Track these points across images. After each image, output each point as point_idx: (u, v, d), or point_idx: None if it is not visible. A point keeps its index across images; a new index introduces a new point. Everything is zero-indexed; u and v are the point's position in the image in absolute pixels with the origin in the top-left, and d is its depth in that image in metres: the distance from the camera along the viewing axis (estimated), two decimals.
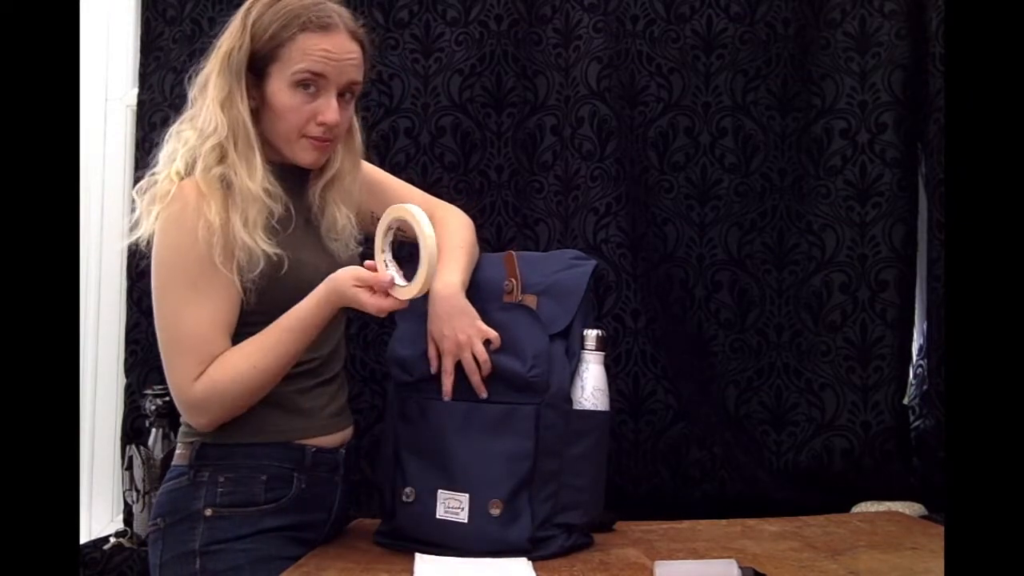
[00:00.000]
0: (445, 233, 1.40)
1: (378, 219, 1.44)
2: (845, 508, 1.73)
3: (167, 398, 1.78)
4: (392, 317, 1.39)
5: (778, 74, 1.86)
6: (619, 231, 1.82)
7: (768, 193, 1.87)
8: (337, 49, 1.28)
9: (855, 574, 1.22)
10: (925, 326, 1.88)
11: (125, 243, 1.33)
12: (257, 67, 1.28)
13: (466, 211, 1.84)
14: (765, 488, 1.80)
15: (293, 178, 1.34)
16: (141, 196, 1.30)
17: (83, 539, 1.82)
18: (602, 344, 1.36)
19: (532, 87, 1.88)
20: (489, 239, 1.87)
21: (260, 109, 1.30)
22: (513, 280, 1.39)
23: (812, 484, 1.80)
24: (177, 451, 1.34)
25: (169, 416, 1.79)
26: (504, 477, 1.28)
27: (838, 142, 1.84)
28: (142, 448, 1.78)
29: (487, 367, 1.31)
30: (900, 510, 1.69)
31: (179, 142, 1.30)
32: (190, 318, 1.24)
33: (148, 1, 1.94)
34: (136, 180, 1.89)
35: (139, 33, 1.96)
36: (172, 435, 1.79)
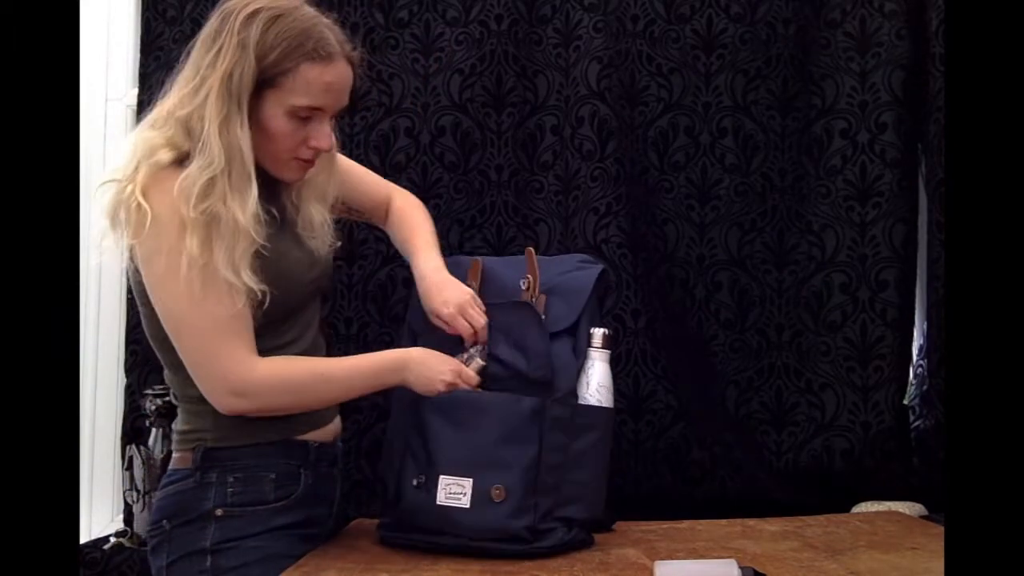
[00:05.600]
0: (416, 226, 1.48)
1: (345, 206, 1.48)
2: (845, 508, 1.72)
3: (167, 398, 1.78)
4: (410, 327, 1.45)
5: (778, 74, 1.86)
6: (619, 231, 1.82)
7: (768, 193, 1.87)
8: (338, 80, 1.25)
9: (855, 574, 1.22)
10: (925, 326, 1.88)
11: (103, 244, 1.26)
12: (252, 90, 1.22)
13: (466, 211, 1.86)
14: (765, 488, 1.80)
15: (267, 178, 1.31)
16: (103, 207, 1.23)
17: (83, 539, 1.82)
18: (608, 342, 1.37)
19: (532, 87, 1.88)
20: (489, 239, 1.87)
21: (250, 128, 1.25)
22: (531, 277, 1.40)
23: (812, 484, 1.80)
24: (176, 455, 1.32)
25: (169, 416, 1.78)
26: (508, 464, 1.28)
27: (838, 142, 1.84)
28: (142, 448, 1.78)
29: (484, 327, 1.36)
30: (900, 510, 1.69)
31: (143, 146, 1.22)
32: (222, 304, 1.19)
33: (148, 1, 1.94)
34: None
35: (139, 33, 1.96)
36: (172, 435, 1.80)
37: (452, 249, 1.85)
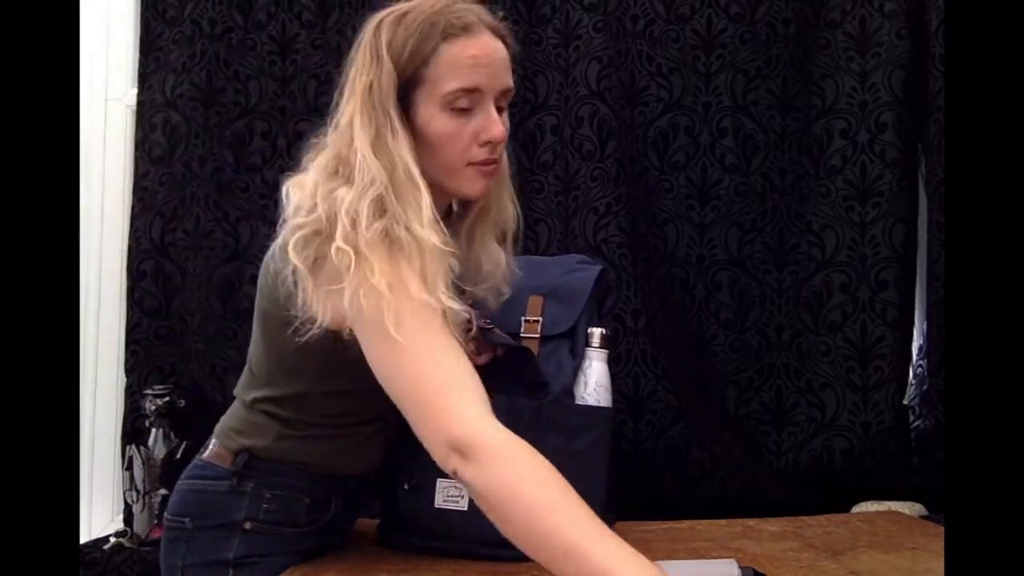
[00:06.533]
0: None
1: None
2: (845, 508, 1.73)
3: (167, 398, 1.79)
4: None
5: (778, 74, 1.86)
6: (619, 231, 1.82)
7: (768, 193, 1.87)
8: (484, 53, 1.10)
9: (855, 574, 1.22)
10: (925, 326, 1.88)
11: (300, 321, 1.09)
12: (401, 97, 1.10)
13: None
14: (765, 488, 1.80)
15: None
16: (302, 261, 1.07)
17: (83, 539, 1.82)
18: (606, 342, 1.37)
19: (532, 87, 1.88)
20: None
21: (413, 143, 1.11)
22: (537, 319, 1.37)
23: (812, 484, 1.80)
24: (214, 449, 1.26)
25: (169, 416, 1.80)
26: None
27: (838, 142, 1.84)
28: (142, 448, 1.78)
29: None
30: (900, 510, 1.69)
31: (331, 199, 1.07)
32: (449, 355, 1.02)
33: (148, 1, 1.94)
34: (136, 180, 1.93)
35: (139, 33, 1.96)
36: (172, 435, 1.80)
37: None
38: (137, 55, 1.96)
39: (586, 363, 1.36)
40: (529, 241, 1.86)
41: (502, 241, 1.25)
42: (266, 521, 1.22)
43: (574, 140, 1.84)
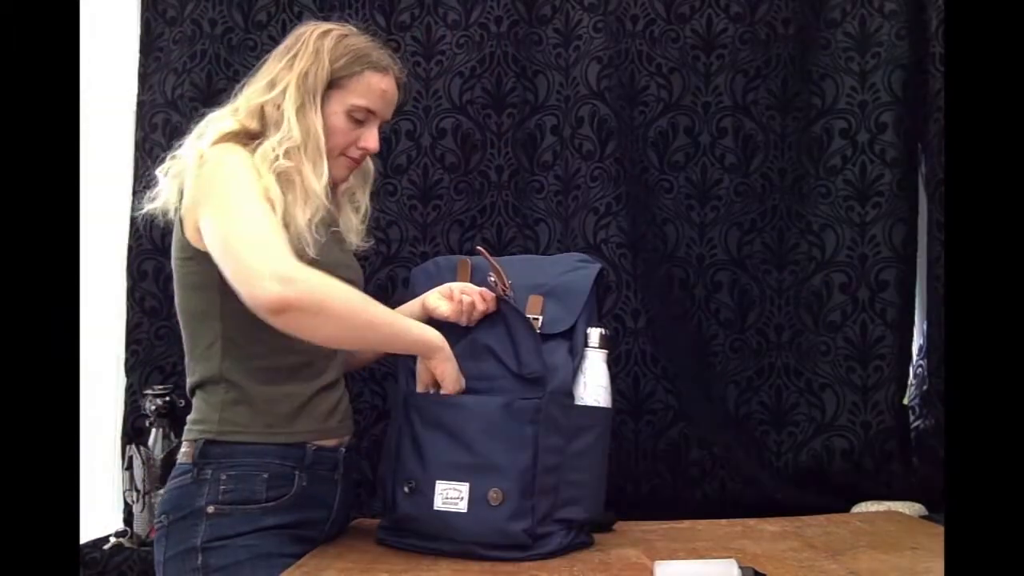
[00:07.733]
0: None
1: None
2: (845, 508, 1.73)
3: (167, 398, 1.79)
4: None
5: (778, 74, 1.87)
6: (619, 231, 1.82)
7: (768, 193, 1.87)
8: (391, 90, 1.46)
9: (855, 574, 1.22)
10: (925, 326, 1.88)
11: (144, 211, 1.39)
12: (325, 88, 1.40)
13: (466, 212, 1.86)
14: (765, 488, 1.80)
15: None
16: (164, 174, 1.36)
17: (83, 539, 1.82)
18: (605, 342, 1.37)
19: (532, 87, 1.88)
20: (489, 239, 1.87)
21: None
22: (493, 275, 1.41)
23: (812, 484, 1.80)
24: (182, 449, 1.36)
25: (169, 416, 1.79)
26: (504, 467, 1.28)
27: (838, 142, 1.84)
28: (142, 448, 1.78)
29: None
30: (900, 510, 1.69)
31: (211, 126, 1.36)
32: (274, 223, 1.25)
33: (148, 1, 1.94)
34: (136, 180, 1.93)
35: (139, 33, 1.96)
36: (172, 435, 1.80)
37: (452, 249, 1.85)
38: (137, 55, 1.96)
39: (585, 363, 1.36)
40: (529, 241, 1.86)
41: (358, 213, 1.53)
42: (226, 501, 1.29)
43: (574, 140, 1.84)
